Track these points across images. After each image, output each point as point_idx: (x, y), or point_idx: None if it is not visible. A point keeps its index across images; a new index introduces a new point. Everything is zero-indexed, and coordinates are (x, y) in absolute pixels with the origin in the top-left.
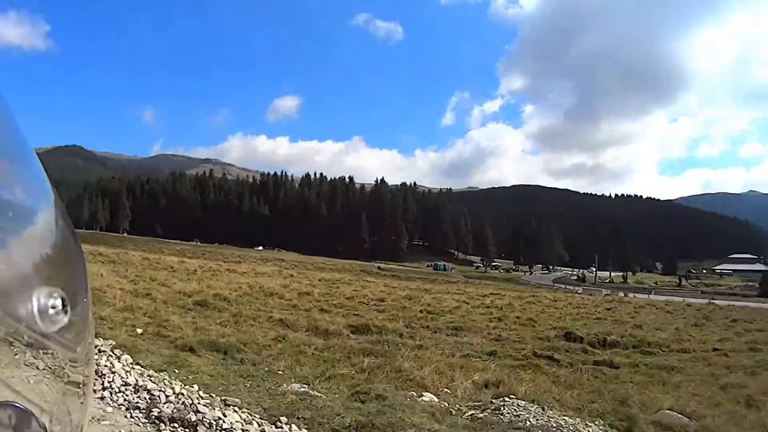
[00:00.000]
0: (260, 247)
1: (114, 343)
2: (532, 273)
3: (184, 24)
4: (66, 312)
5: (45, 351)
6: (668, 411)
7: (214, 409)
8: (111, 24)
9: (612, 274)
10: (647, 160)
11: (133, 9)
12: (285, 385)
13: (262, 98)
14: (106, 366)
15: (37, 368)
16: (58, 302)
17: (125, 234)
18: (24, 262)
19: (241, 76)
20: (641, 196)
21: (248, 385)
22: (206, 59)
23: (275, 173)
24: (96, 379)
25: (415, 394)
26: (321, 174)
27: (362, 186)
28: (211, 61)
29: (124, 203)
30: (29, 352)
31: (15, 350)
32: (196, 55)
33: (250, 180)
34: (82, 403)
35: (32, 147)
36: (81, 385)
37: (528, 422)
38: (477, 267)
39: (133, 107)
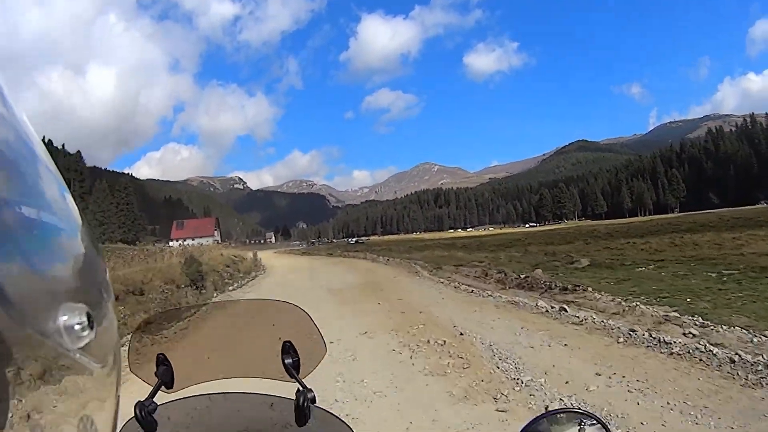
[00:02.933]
0: None
1: None
2: None
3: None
4: (92, 327)
5: (71, 366)
6: None
7: None
8: (567, 23)
9: None
10: None
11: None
12: None
13: (734, 32)
14: None
15: (64, 384)
16: (84, 318)
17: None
18: (49, 278)
19: (707, 12)
20: None
21: None
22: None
23: None
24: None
25: None
26: None
27: None
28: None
29: (664, 180)
30: (55, 368)
31: (42, 366)
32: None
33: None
34: (109, 418)
35: (51, 160)
36: (109, 398)
37: None
38: None
39: (619, 88)
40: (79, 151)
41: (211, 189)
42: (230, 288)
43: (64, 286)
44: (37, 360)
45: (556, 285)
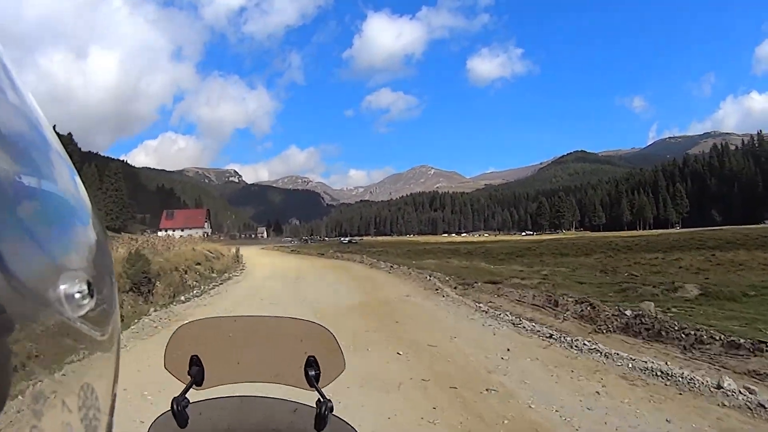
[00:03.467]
0: None
1: None
2: None
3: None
4: (92, 296)
5: (72, 334)
6: None
7: None
8: (573, 32)
9: None
10: None
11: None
12: None
13: (741, 50)
14: None
15: (64, 352)
16: (84, 287)
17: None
18: (49, 247)
19: (715, 30)
20: None
21: None
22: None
23: None
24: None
25: None
26: None
27: None
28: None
29: (665, 195)
30: (56, 336)
31: (42, 334)
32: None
33: None
34: (109, 386)
35: (53, 133)
36: (109, 367)
37: None
38: None
39: (621, 100)
40: (70, 133)
41: (206, 180)
42: (188, 295)
43: (65, 255)
44: (38, 328)
45: (711, 336)
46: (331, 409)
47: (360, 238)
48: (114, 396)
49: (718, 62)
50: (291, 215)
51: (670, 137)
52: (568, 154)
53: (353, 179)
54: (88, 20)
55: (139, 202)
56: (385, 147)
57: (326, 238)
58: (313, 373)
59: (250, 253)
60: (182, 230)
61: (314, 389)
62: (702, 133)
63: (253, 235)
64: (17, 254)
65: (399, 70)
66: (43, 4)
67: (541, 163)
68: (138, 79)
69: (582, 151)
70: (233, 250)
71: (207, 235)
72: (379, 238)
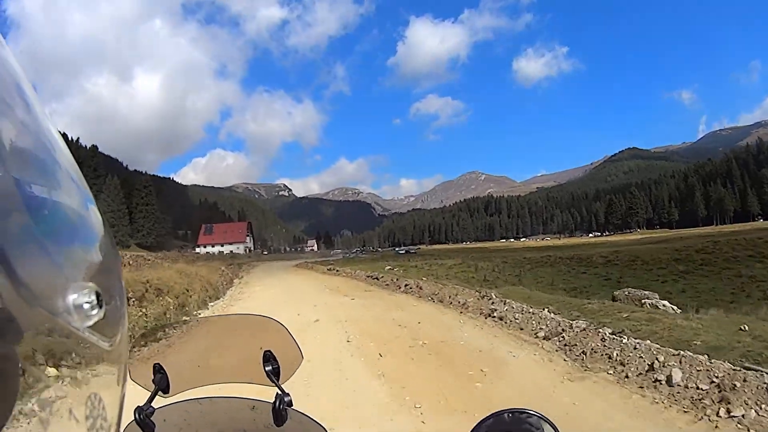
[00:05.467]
0: None
1: None
2: None
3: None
4: (101, 306)
5: (80, 344)
6: None
7: None
8: (617, 28)
9: None
10: None
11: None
12: None
13: None
14: None
15: (73, 361)
16: (93, 297)
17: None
18: (59, 257)
19: (758, 16)
20: None
21: None
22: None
23: None
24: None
25: None
26: None
27: None
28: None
29: (740, 184)
30: (65, 346)
31: (51, 344)
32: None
33: None
34: (117, 396)
35: (65, 144)
36: (117, 377)
37: None
38: None
39: (668, 94)
40: (95, 145)
41: (256, 196)
42: None
43: (74, 266)
44: (47, 337)
45: None
46: (289, 404)
47: (417, 247)
48: (121, 406)
49: (764, 48)
50: (342, 227)
51: (720, 129)
52: (620, 152)
53: (404, 188)
54: (129, 43)
55: (182, 218)
56: (434, 154)
57: (379, 249)
58: (270, 368)
59: (258, 280)
60: (221, 245)
61: (274, 384)
62: (752, 123)
63: (300, 248)
64: (27, 264)
65: (444, 75)
66: (84, 28)
67: (591, 164)
68: (183, 98)
69: (634, 148)
70: (229, 277)
71: (249, 249)
72: (436, 246)
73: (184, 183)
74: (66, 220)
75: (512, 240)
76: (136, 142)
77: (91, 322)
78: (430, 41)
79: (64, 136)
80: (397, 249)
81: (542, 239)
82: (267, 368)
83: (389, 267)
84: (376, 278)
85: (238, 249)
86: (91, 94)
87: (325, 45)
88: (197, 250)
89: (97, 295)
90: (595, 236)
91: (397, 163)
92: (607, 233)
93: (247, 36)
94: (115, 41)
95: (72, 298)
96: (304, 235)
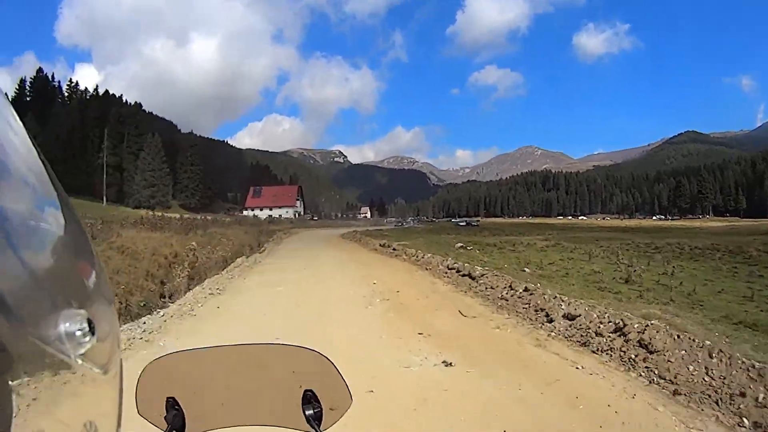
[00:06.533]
0: None
1: None
2: None
3: None
4: (93, 333)
5: (73, 372)
6: None
7: None
8: (680, 7)
9: None
10: None
11: None
12: None
13: None
14: None
15: (66, 390)
16: (85, 325)
17: None
18: (48, 285)
19: None
20: None
21: None
22: None
23: None
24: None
25: None
26: None
27: None
28: None
29: None
30: (58, 375)
31: (44, 373)
32: None
33: None
34: (112, 423)
35: (47, 166)
36: (111, 403)
37: None
38: None
39: (729, 80)
40: (138, 103)
41: (311, 161)
42: None
43: (64, 293)
44: (39, 367)
45: None
46: None
47: (477, 219)
48: (118, 428)
49: None
50: (396, 195)
51: None
52: (679, 134)
53: (459, 159)
54: (185, 7)
55: (235, 180)
56: (491, 127)
57: (434, 219)
58: (311, 411)
59: (275, 261)
60: (270, 208)
61: (314, 431)
62: None
63: (352, 215)
64: (17, 293)
65: (504, 46)
66: None
67: (649, 145)
68: (239, 62)
69: (694, 131)
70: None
71: (298, 214)
72: (494, 220)
73: (239, 147)
74: (54, 246)
75: (570, 218)
76: (192, 107)
77: (83, 350)
78: (489, 11)
79: (120, 99)
80: (455, 220)
81: (602, 219)
82: (307, 411)
83: (459, 244)
84: (468, 275)
85: (287, 213)
86: (148, 59)
87: (383, 11)
88: (244, 212)
89: (89, 322)
90: (660, 219)
91: (454, 134)
92: (672, 217)
93: (304, 1)
94: (171, 5)
95: (63, 326)
96: (358, 202)
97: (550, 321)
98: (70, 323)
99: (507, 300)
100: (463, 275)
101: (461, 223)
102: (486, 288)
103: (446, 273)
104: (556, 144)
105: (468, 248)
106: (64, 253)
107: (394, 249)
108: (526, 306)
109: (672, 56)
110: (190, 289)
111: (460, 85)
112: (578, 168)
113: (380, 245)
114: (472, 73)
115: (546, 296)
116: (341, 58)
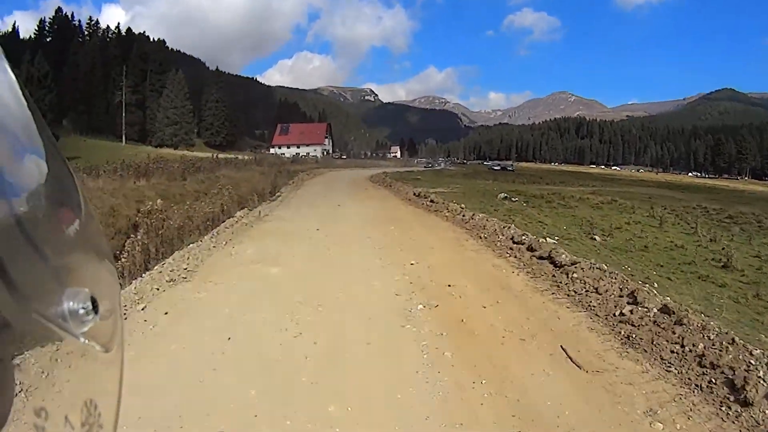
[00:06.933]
0: None
1: None
2: None
3: None
4: (96, 312)
5: (75, 350)
6: None
7: None
8: None
9: None
10: None
11: None
12: None
13: None
14: None
15: (68, 368)
16: (88, 303)
17: None
18: (53, 263)
19: None
20: None
21: None
22: None
23: None
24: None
25: None
26: None
27: None
28: None
29: None
30: (60, 352)
31: (46, 350)
32: None
33: None
34: (113, 402)
35: (54, 141)
36: (112, 382)
37: None
38: None
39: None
40: (162, 39)
41: (342, 99)
42: None
43: (68, 271)
44: (42, 344)
45: None
46: None
47: (512, 163)
48: (117, 412)
49: None
50: (427, 136)
51: None
52: (716, 91)
53: (492, 102)
54: None
55: (263, 118)
56: (524, 70)
57: (465, 161)
58: None
59: (279, 219)
60: (297, 146)
61: None
62: None
63: (382, 154)
64: (21, 271)
65: None
66: None
67: (684, 99)
68: None
69: (731, 89)
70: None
71: (327, 152)
72: (527, 164)
73: (268, 84)
74: (59, 224)
75: (602, 167)
76: (221, 44)
77: (86, 328)
78: None
79: (147, 38)
80: (489, 163)
81: (636, 170)
82: None
83: (503, 195)
84: (548, 259)
85: (315, 151)
86: None
87: None
88: (271, 150)
89: (92, 300)
90: (696, 176)
91: (487, 76)
92: (708, 175)
93: None
94: None
95: (67, 304)
96: (388, 141)
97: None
98: (73, 301)
99: (635, 325)
100: (540, 257)
101: (495, 167)
102: (584, 290)
103: (511, 249)
104: (590, 91)
105: (513, 200)
106: (69, 233)
107: (432, 201)
108: (677, 347)
109: (714, 9)
110: (144, 272)
111: (495, 26)
112: (612, 117)
113: (414, 194)
114: (508, 15)
115: (711, 333)
116: None
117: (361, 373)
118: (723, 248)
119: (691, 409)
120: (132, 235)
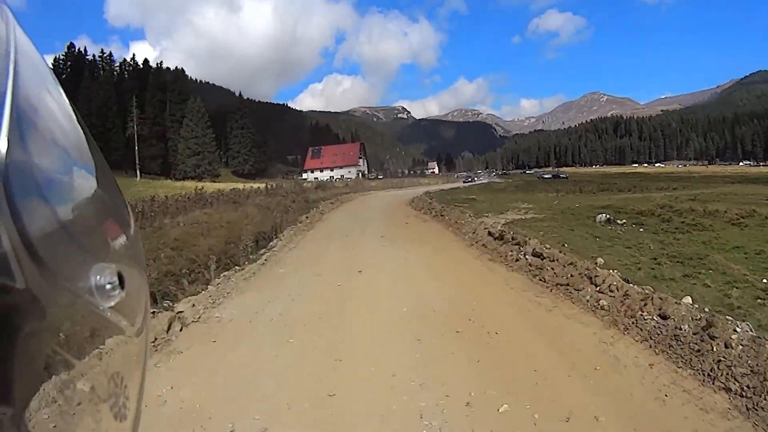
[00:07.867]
0: None
1: None
2: None
3: None
4: (123, 287)
5: (102, 324)
6: None
7: None
8: None
9: None
10: None
11: None
12: None
13: None
14: None
15: (95, 341)
16: (115, 278)
17: None
18: (81, 238)
19: None
20: None
21: None
22: None
23: None
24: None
25: None
26: None
27: None
28: None
29: None
30: (87, 326)
31: (73, 324)
32: None
33: None
34: (138, 376)
35: (82, 123)
36: (138, 357)
37: None
38: None
39: None
40: (182, 68)
41: (375, 119)
42: None
43: (96, 247)
44: (70, 317)
45: None
46: None
47: (558, 169)
48: (142, 385)
49: None
50: (463, 149)
51: None
52: (750, 75)
53: (524, 109)
54: None
55: (295, 143)
56: (555, 74)
57: (506, 171)
58: None
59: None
60: (331, 169)
61: None
62: None
63: (419, 171)
64: (50, 245)
65: None
66: None
67: (717, 86)
68: (295, 24)
69: (766, 71)
70: None
71: (362, 174)
72: (574, 169)
73: (300, 109)
74: (88, 200)
75: (645, 165)
76: (250, 73)
77: (113, 303)
78: None
79: (175, 71)
80: (539, 172)
81: (681, 165)
82: None
83: (604, 216)
84: None
85: (350, 173)
86: (200, 28)
87: None
88: (304, 175)
89: (119, 276)
90: (749, 165)
91: (517, 83)
92: (762, 163)
93: None
94: None
95: (94, 278)
96: (424, 157)
97: None
98: (100, 276)
99: None
100: None
101: (546, 176)
102: None
103: None
104: (621, 89)
105: (619, 222)
106: (98, 209)
107: (540, 256)
108: None
109: None
110: None
111: (520, 32)
112: (646, 113)
113: (490, 234)
114: (533, 19)
115: None
116: (398, 12)
117: None
118: None
119: None
120: None
